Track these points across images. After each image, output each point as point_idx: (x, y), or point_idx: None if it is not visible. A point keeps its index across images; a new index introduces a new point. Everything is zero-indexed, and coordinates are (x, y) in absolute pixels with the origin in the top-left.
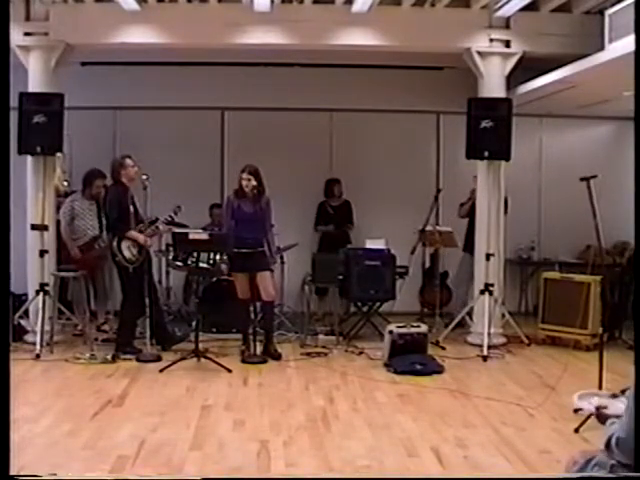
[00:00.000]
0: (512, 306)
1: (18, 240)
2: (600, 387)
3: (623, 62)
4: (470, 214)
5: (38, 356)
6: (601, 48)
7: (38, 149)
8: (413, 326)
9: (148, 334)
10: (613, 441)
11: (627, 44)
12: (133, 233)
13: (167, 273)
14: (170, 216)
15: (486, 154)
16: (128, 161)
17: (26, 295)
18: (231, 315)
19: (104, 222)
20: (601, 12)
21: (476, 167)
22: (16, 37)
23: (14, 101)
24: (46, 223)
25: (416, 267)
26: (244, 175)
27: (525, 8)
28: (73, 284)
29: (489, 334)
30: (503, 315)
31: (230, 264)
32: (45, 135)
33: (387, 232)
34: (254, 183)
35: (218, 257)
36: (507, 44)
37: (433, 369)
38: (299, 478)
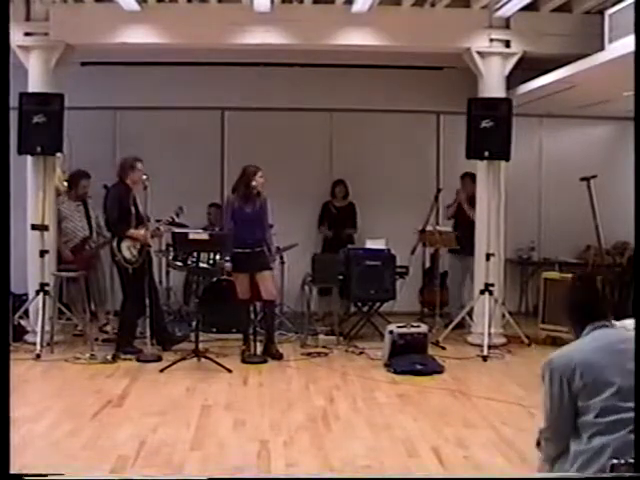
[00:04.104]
0: (512, 306)
1: (18, 240)
2: None
3: (623, 62)
4: (455, 216)
5: (38, 356)
6: (601, 48)
7: (38, 149)
8: (413, 326)
9: (148, 334)
10: (542, 438)
11: (627, 44)
12: (133, 231)
13: (167, 273)
14: (171, 217)
15: (486, 154)
16: (139, 165)
17: (26, 295)
18: (231, 315)
19: (93, 223)
20: (601, 12)
21: (469, 168)
22: (16, 37)
23: (14, 101)
24: (46, 223)
25: (416, 267)
26: (259, 175)
27: (525, 8)
28: (68, 285)
29: (489, 334)
30: (503, 315)
31: (231, 264)
32: (45, 135)
33: (387, 232)
34: None
35: (218, 257)
36: (507, 44)
37: (433, 369)
38: (299, 478)
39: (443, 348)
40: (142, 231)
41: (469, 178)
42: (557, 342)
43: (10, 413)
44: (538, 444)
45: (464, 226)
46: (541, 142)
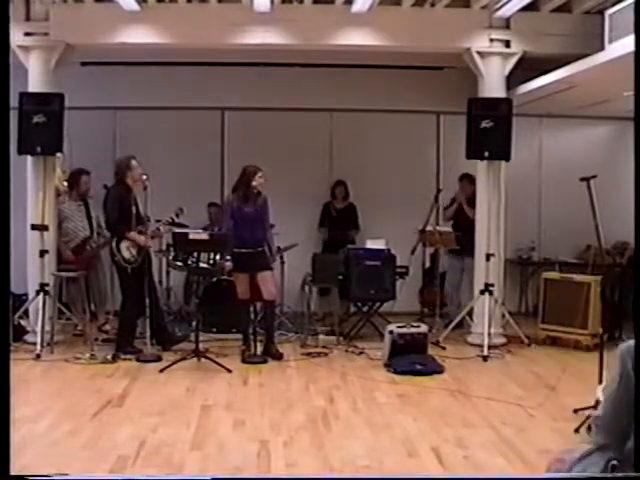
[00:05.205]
0: (512, 306)
1: (18, 240)
2: None
3: (623, 62)
4: (454, 217)
5: (38, 356)
6: (601, 48)
7: (38, 149)
8: (413, 326)
9: (148, 334)
10: (593, 423)
11: (627, 44)
12: (133, 234)
13: (167, 273)
14: (171, 217)
15: (486, 154)
16: (134, 162)
17: (26, 295)
18: (231, 315)
19: (94, 223)
20: (601, 12)
21: (469, 168)
22: (16, 37)
23: (14, 101)
24: (46, 223)
25: (416, 267)
26: (259, 175)
27: (525, 8)
28: (68, 285)
29: (489, 334)
30: (503, 315)
31: (231, 263)
32: (45, 135)
33: (387, 232)
34: None
35: (219, 257)
36: (507, 44)
37: (433, 369)
38: (299, 478)
39: (443, 348)
40: (142, 237)
41: (467, 179)
42: (557, 342)
43: (10, 413)
44: (589, 428)
45: (465, 227)
46: (541, 142)
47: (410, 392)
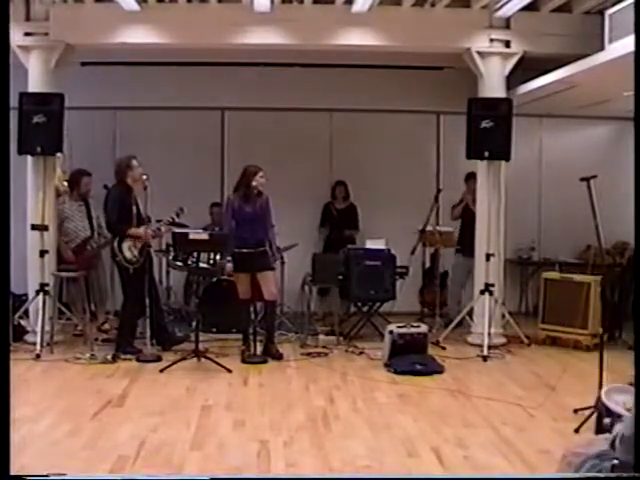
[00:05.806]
0: (512, 306)
1: (18, 240)
2: (600, 387)
3: (623, 62)
4: (462, 216)
5: (38, 356)
6: (601, 48)
7: (38, 149)
8: (413, 326)
9: (148, 334)
10: (617, 439)
11: (627, 44)
12: (133, 230)
13: (167, 273)
14: (172, 217)
15: (486, 154)
16: (135, 162)
17: (26, 295)
18: (231, 315)
19: (94, 223)
20: (601, 12)
21: (469, 168)
22: (16, 37)
23: (14, 101)
24: (46, 223)
25: (416, 267)
26: (260, 175)
27: (525, 8)
28: (68, 285)
29: (489, 334)
30: (503, 315)
31: (232, 264)
32: (45, 135)
33: (387, 232)
34: None
35: (219, 257)
36: (507, 44)
37: (433, 369)
38: (299, 478)
39: (443, 348)
40: (142, 230)
41: (474, 179)
42: (557, 342)
43: (10, 413)
44: (612, 445)
45: (472, 227)
46: (541, 142)
47: (410, 392)
